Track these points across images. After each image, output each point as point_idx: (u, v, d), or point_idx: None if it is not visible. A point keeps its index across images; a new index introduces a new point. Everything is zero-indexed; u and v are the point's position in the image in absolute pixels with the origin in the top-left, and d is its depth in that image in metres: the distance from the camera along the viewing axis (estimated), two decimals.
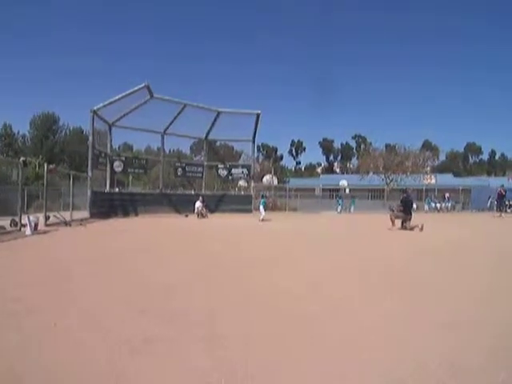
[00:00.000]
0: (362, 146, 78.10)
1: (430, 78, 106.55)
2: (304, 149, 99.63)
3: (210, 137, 21.13)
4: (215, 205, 19.71)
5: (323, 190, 27.98)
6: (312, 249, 6.87)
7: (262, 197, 16.12)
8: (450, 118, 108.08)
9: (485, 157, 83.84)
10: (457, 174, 62.30)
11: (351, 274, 4.61)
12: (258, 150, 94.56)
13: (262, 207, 15.08)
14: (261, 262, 5.42)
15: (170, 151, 25.83)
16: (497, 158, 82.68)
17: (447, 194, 26.43)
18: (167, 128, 19.15)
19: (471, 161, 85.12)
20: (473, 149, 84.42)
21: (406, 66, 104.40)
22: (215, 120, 20.19)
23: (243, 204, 20.20)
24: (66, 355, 2.30)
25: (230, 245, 7.40)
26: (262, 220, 14.39)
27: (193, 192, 20.37)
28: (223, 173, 21.27)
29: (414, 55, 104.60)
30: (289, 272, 4.58)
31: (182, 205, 18.39)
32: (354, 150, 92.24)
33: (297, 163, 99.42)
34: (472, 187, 29.53)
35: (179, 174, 20.40)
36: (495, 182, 31.50)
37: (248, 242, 8.18)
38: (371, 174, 35.69)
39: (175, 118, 18.90)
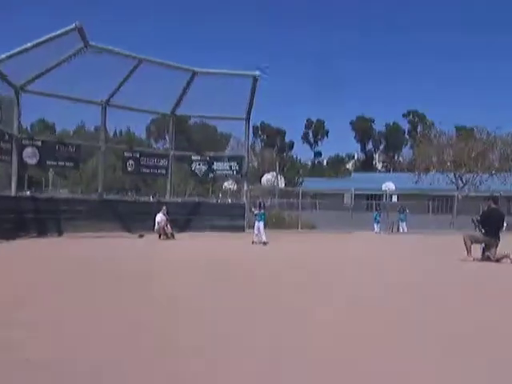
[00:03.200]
0: (419, 129, 76.44)
1: None
2: (326, 133, 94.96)
3: (180, 112, 20.31)
4: (187, 219, 19.30)
5: (357, 196, 27.32)
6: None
7: (260, 207, 16.11)
8: None
9: None
10: None
11: None
12: (256, 133, 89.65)
13: (260, 224, 15.30)
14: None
15: (115, 133, 27.84)
16: None
17: None
18: (111, 97, 18.53)
19: None
20: None
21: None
22: (188, 85, 19.61)
23: (231, 218, 19.83)
24: None
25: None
26: (264, 243, 14.56)
27: (151, 198, 20.55)
28: (200, 168, 20.63)
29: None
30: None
31: (134, 218, 18.05)
32: (406, 135, 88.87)
33: (315, 155, 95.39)
34: None
35: (130, 169, 19.70)
36: None
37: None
38: (433, 172, 35.37)
39: (125, 81, 18.27)
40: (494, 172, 32.63)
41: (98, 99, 18.64)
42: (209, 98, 19.73)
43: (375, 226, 24.00)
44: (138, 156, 20.06)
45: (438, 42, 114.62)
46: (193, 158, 21.06)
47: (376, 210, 25.49)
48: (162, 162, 20.48)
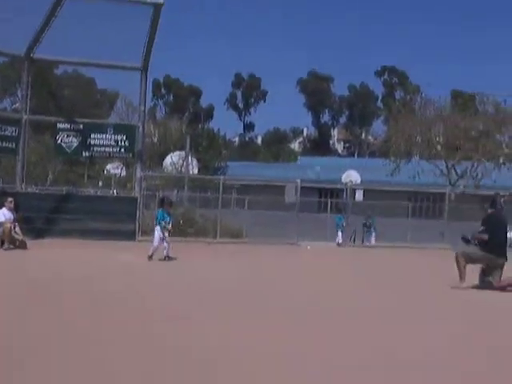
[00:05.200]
0: (399, 93, 63.07)
1: None
2: (263, 95, 77.77)
3: (40, 54, 17.59)
4: (47, 219, 16.83)
5: (305, 190, 23.76)
6: None
7: (162, 203, 14.17)
8: None
9: None
10: None
11: None
12: (157, 93, 73.50)
13: (159, 230, 13.10)
14: None
15: None
16: None
17: None
18: None
19: None
20: None
21: None
22: (54, 12, 16.09)
23: (116, 218, 17.19)
24: None
25: None
26: (166, 258, 12.64)
27: None
28: (69, 142, 17.70)
29: None
30: None
31: None
32: (379, 101, 72.73)
33: (246, 127, 79.94)
34: None
35: None
36: None
37: None
38: (417, 158, 32.44)
39: None
40: (502, 160, 29.40)
41: None
42: (86, 34, 16.89)
43: (339, 234, 20.75)
44: None
45: None
46: (59, 125, 17.56)
47: (340, 212, 22.67)
48: (10, 131, 17.06)
